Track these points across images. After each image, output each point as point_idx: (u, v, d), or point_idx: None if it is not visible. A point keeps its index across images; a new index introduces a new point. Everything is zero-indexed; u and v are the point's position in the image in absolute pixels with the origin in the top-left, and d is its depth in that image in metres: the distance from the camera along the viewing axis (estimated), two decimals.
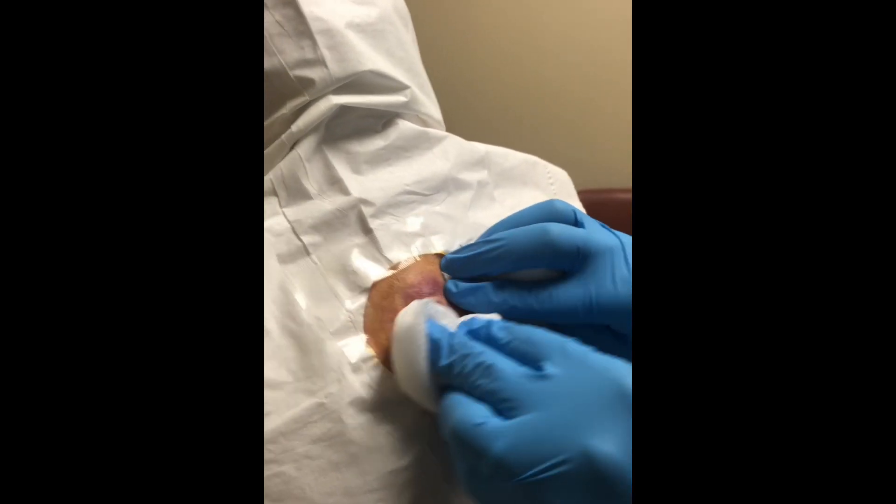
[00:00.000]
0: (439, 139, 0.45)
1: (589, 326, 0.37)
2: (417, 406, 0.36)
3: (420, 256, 0.40)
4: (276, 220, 0.39)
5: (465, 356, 0.32)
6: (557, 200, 0.39)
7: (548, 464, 0.27)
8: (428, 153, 0.44)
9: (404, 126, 0.44)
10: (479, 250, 0.38)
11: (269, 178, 0.40)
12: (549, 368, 0.30)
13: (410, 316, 0.34)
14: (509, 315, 0.37)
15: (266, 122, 0.41)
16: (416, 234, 0.40)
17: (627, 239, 0.38)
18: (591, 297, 0.35)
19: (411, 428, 0.35)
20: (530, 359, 0.31)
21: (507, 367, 0.31)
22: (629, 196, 1.58)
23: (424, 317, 0.34)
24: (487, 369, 0.31)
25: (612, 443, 0.27)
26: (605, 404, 0.28)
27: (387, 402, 0.35)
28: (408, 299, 0.38)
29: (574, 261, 0.36)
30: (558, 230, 0.36)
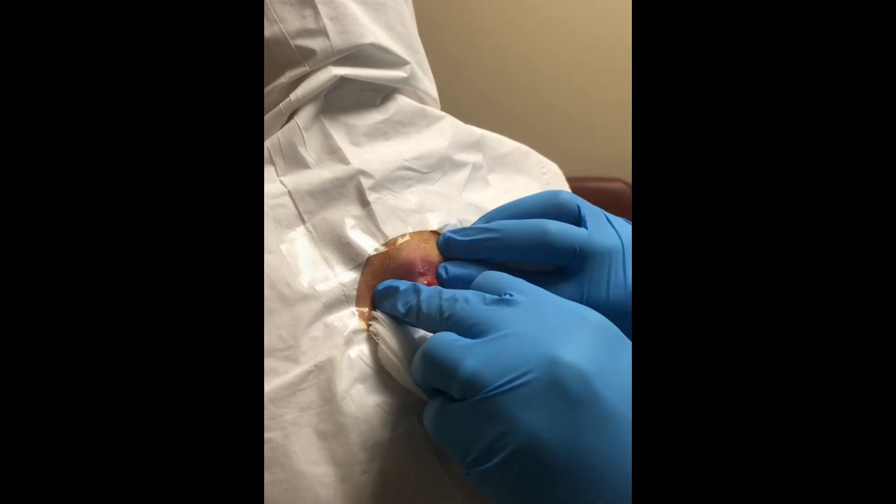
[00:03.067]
0: (437, 118, 0.45)
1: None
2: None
3: (415, 233, 0.40)
4: (274, 186, 0.39)
5: (431, 296, 0.33)
6: (563, 192, 0.39)
7: (515, 373, 0.28)
8: (426, 131, 0.44)
9: (403, 101, 0.44)
10: (477, 237, 0.38)
11: (266, 146, 0.40)
12: (515, 296, 0.32)
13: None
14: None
15: (265, 90, 0.40)
16: (413, 211, 0.40)
17: (628, 235, 0.38)
18: (583, 301, 0.36)
19: (401, 401, 0.36)
20: (494, 291, 0.33)
21: (474, 296, 0.32)
22: (601, 185, 1.60)
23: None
24: (454, 301, 0.32)
25: (575, 352, 0.28)
26: (568, 324, 0.30)
27: (377, 375, 0.36)
28: (400, 277, 0.38)
29: (571, 261, 0.37)
30: (556, 230, 0.37)
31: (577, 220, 0.38)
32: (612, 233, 0.38)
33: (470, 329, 0.31)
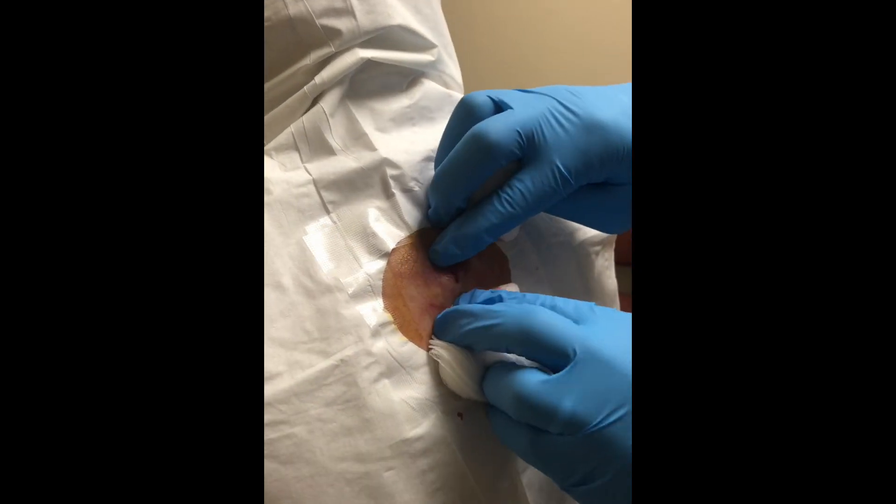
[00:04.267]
0: None
1: (589, 188, 0.36)
2: (434, 375, 0.35)
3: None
4: (298, 174, 0.37)
5: (497, 314, 0.32)
6: (471, 94, 0.37)
7: (612, 406, 0.28)
8: None
9: (429, 86, 0.42)
10: (437, 192, 0.37)
11: (290, 131, 0.39)
12: (585, 317, 0.32)
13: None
14: (497, 235, 0.36)
15: (287, 72, 0.39)
16: None
17: (559, 90, 0.36)
18: (559, 168, 0.34)
19: (427, 396, 0.35)
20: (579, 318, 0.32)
21: (549, 315, 0.31)
22: None
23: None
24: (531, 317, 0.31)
25: None
26: None
27: (403, 370, 0.35)
28: (425, 269, 0.37)
29: (522, 148, 0.35)
30: (493, 128, 0.34)
31: (496, 109, 0.36)
32: (537, 97, 0.36)
33: (549, 355, 0.31)
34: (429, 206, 0.39)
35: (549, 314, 0.31)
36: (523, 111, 0.35)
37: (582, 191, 0.36)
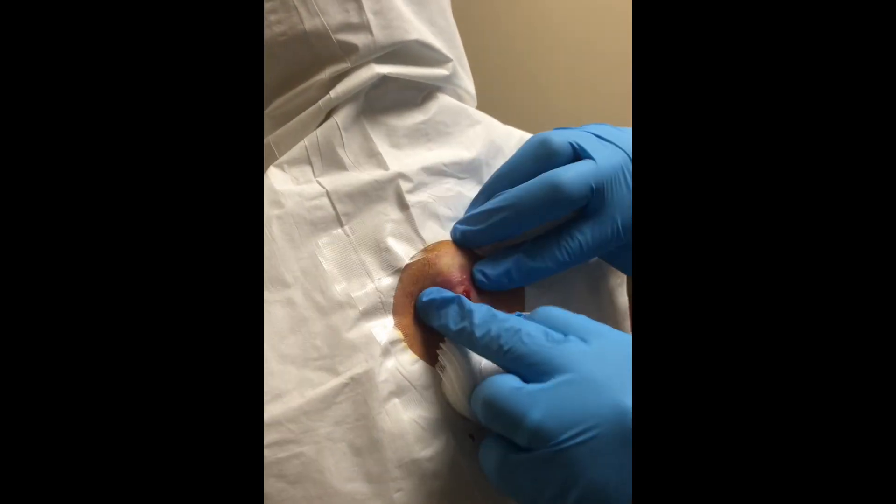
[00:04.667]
0: (478, 120, 0.43)
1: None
2: (443, 395, 0.35)
3: (451, 240, 0.39)
4: (310, 187, 0.37)
5: (490, 321, 0.32)
6: (550, 134, 0.38)
7: (583, 426, 0.28)
8: (468, 132, 0.42)
9: (444, 101, 0.42)
10: (491, 221, 0.37)
11: (304, 144, 0.38)
12: (577, 336, 0.31)
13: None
14: (546, 276, 0.37)
15: (302, 86, 0.39)
16: (451, 217, 0.39)
17: (623, 138, 0.38)
18: (617, 226, 0.36)
19: (437, 417, 0.34)
20: (554, 328, 0.32)
21: (536, 330, 0.31)
22: None
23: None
24: (516, 333, 0.31)
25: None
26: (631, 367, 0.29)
27: (413, 389, 0.34)
28: (438, 285, 0.37)
29: (591, 200, 0.36)
30: (568, 179, 0.35)
31: (574, 155, 0.37)
32: (612, 148, 0.37)
33: (531, 368, 0.30)
34: (460, 221, 0.39)
35: (535, 327, 0.31)
36: (600, 165, 0.36)
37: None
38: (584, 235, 0.36)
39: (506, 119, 0.48)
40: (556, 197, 0.35)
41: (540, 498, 0.28)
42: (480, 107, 0.46)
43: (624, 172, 0.36)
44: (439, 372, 0.35)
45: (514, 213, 0.36)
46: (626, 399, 0.28)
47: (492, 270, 0.37)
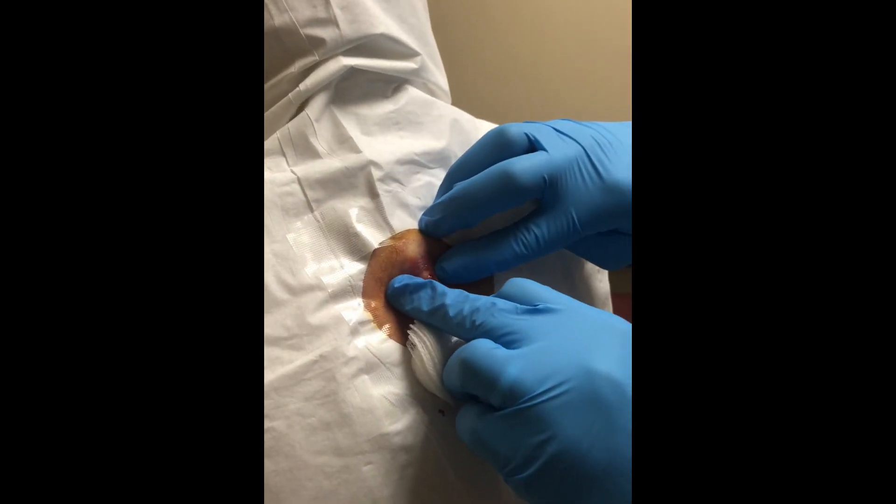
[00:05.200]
0: (447, 112, 0.45)
1: (598, 235, 0.38)
2: (413, 372, 0.36)
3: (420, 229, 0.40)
4: (282, 175, 0.38)
5: (462, 301, 0.33)
6: (508, 126, 0.39)
7: (555, 381, 0.28)
8: (437, 123, 0.44)
9: (413, 93, 0.44)
10: (446, 212, 0.38)
11: (276, 137, 0.40)
12: (547, 306, 0.32)
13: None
14: (504, 269, 0.39)
15: (273, 80, 0.40)
16: (421, 206, 0.40)
17: (583, 132, 0.38)
18: (574, 220, 0.37)
19: (406, 392, 0.35)
20: (524, 300, 0.33)
21: (504, 304, 0.32)
22: None
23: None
24: (485, 309, 0.32)
25: (608, 362, 0.29)
26: (599, 334, 0.31)
27: (382, 366, 0.35)
28: (406, 272, 0.38)
29: (545, 191, 0.37)
30: (520, 168, 0.36)
31: (530, 147, 0.38)
32: (569, 142, 0.38)
33: (503, 338, 0.31)
34: (426, 212, 0.40)
35: (504, 302, 0.33)
36: (553, 156, 0.37)
37: (589, 236, 0.38)
38: (540, 228, 0.37)
39: (484, 116, 0.50)
40: (507, 186, 0.36)
41: (514, 457, 0.29)
42: (459, 104, 0.48)
43: (580, 165, 0.37)
44: (409, 350, 0.36)
45: (467, 203, 0.38)
46: (592, 361, 0.29)
47: (449, 265, 0.39)
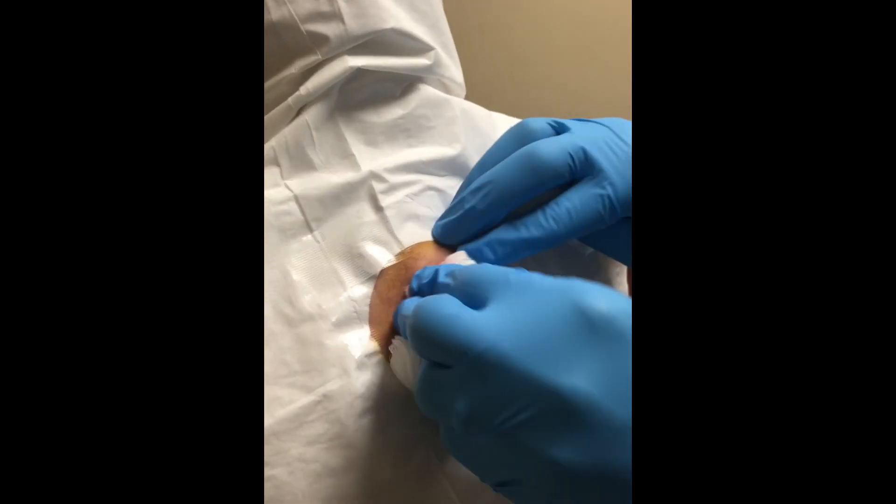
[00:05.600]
0: (464, 110, 0.41)
1: (626, 221, 0.35)
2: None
3: (430, 241, 0.36)
4: (277, 191, 0.35)
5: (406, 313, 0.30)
6: (529, 120, 0.36)
7: (517, 407, 0.24)
8: (450, 126, 0.40)
9: (426, 92, 0.40)
10: (468, 205, 0.35)
11: (272, 145, 0.36)
12: (492, 302, 0.26)
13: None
14: (535, 250, 0.34)
15: (271, 82, 0.37)
16: (431, 217, 0.37)
17: (616, 122, 0.36)
18: (609, 195, 0.33)
19: (415, 432, 0.33)
20: (479, 301, 0.27)
21: (451, 306, 0.27)
22: None
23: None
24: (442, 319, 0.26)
25: (579, 376, 0.24)
26: (564, 332, 0.25)
27: (391, 404, 0.33)
28: None
29: (575, 169, 0.34)
30: (545, 147, 0.34)
31: (554, 133, 0.36)
32: (593, 125, 0.35)
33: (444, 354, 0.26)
34: (448, 218, 0.36)
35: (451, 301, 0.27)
36: (580, 135, 0.34)
37: (620, 223, 0.35)
38: (571, 202, 0.34)
39: (499, 109, 0.46)
40: (533, 166, 0.33)
41: (497, 418, 0.24)
42: (473, 98, 0.44)
43: (608, 143, 0.34)
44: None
45: (494, 193, 0.34)
46: (559, 379, 0.23)
47: (471, 245, 0.35)
